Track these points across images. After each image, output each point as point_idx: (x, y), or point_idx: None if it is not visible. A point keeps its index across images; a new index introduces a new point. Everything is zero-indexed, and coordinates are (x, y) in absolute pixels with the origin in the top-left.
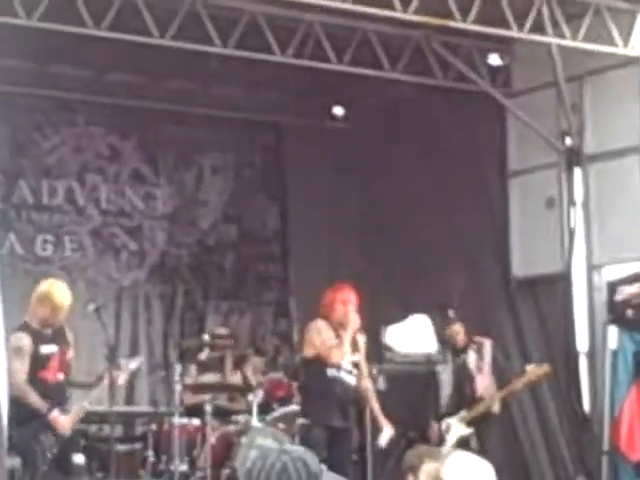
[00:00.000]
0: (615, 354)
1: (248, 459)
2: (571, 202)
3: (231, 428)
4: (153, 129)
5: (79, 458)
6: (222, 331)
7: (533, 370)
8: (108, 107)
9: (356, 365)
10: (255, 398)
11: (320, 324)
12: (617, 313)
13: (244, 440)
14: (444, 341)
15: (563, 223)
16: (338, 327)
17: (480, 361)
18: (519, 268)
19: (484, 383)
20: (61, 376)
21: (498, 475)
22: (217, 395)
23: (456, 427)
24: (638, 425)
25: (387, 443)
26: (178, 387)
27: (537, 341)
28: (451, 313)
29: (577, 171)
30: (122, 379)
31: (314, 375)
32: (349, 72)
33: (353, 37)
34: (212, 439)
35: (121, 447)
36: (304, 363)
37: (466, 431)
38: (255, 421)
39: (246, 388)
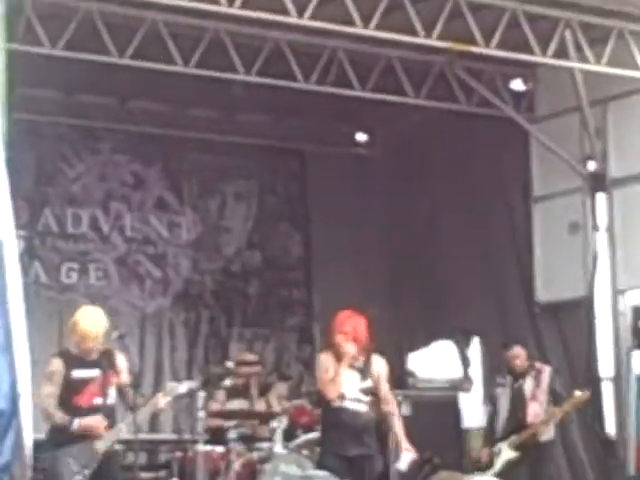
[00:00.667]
0: None
1: None
2: (595, 227)
3: (255, 455)
4: (177, 157)
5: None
6: (249, 357)
7: (576, 396)
8: (132, 135)
9: (368, 391)
10: (279, 425)
11: (321, 358)
12: None
13: (268, 467)
14: (504, 365)
15: (587, 248)
16: (339, 358)
17: (536, 388)
18: (543, 293)
19: (535, 410)
20: (98, 400)
21: None
22: (241, 422)
23: (505, 451)
24: None
25: (408, 467)
26: (202, 414)
27: (561, 366)
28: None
29: (601, 196)
30: (165, 402)
31: (323, 407)
32: (372, 98)
33: (376, 63)
34: (236, 466)
35: (145, 475)
36: (318, 395)
37: (512, 454)
38: (279, 448)
39: (270, 415)
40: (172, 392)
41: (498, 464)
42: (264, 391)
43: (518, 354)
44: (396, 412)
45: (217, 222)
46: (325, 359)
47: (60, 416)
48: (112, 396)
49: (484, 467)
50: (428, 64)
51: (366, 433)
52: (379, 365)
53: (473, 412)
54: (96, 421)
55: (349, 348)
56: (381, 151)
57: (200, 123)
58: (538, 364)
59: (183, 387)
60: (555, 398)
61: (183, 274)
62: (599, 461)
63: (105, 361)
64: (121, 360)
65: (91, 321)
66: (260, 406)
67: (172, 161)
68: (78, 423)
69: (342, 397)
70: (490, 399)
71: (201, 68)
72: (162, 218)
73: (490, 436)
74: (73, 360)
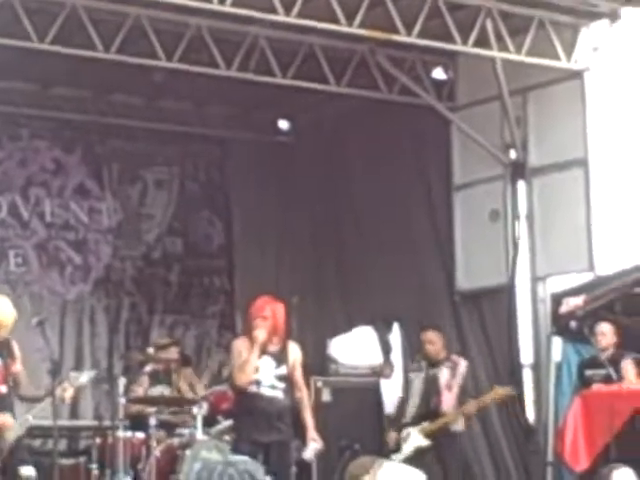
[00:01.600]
0: (559, 365)
1: (192, 471)
2: (515, 215)
3: (175, 441)
4: (98, 143)
5: (28, 470)
6: (165, 340)
7: (495, 391)
8: (53, 121)
9: (284, 378)
10: (199, 411)
11: (236, 343)
12: (561, 325)
13: (188, 453)
14: (410, 349)
15: (507, 236)
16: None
17: (452, 378)
18: (463, 281)
19: (450, 400)
20: (3, 389)
21: None
22: (162, 408)
23: (414, 437)
24: (582, 436)
25: (313, 457)
26: (122, 400)
27: (482, 353)
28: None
29: (521, 184)
30: (69, 393)
31: (237, 393)
32: (294, 86)
33: (298, 51)
34: (156, 452)
35: (65, 461)
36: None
37: (424, 442)
38: (200, 434)
39: (191, 401)
40: (75, 382)
41: (407, 449)
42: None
43: (431, 339)
44: (307, 400)
45: (138, 209)
46: (239, 344)
47: None
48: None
49: (391, 451)
50: (350, 52)
51: (281, 419)
52: (294, 352)
53: (394, 398)
54: (5, 420)
55: (259, 333)
56: (303, 139)
57: (121, 109)
58: (455, 356)
59: (84, 377)
60: (466, 392)
61: (104, 260)
62: (519, 447)
63: (4, 350)
64: (16, 349)
65: (6, 310)
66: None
67: (93, 147)
68: None
69: (257, 383)
70: (404, 383)
71: (122, 54)
72: (83, 204)
73: (398, 420)
74: None
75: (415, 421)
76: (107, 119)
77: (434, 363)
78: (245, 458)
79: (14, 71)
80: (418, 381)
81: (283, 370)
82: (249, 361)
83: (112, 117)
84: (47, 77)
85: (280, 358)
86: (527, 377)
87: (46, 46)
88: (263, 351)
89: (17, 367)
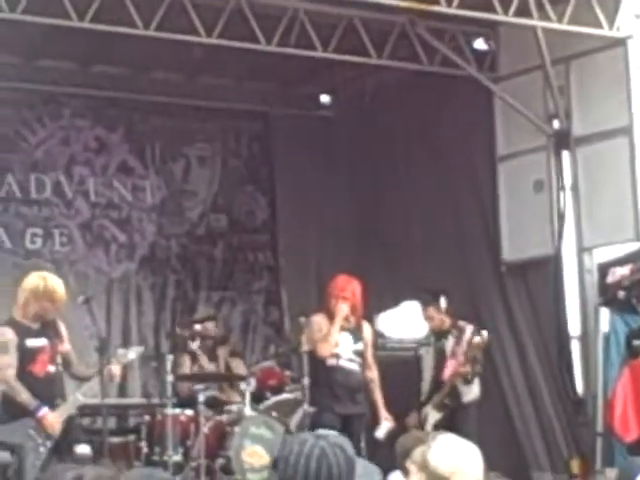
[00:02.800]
0: (607, 336)
1: (283, 445)
2: (560, 185)
3: (224, 418)
4: (139, 121)
5: (83, 448)
6: (200, 315)
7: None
8: (94, 99)
9: (360, 354)
10: (248, 387)
11: (313, 318)
12: (608, 295)
13: (237, 429)
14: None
15: (552, 206)
16: (332, 320)
17: (456, 346)
18: (509, 252)
19: (453, 367)
20: (52, 369)
21: (493, 458)
22: (210, 385)
23: (431, 414)
24: (631, 406)
25: (385, 435)
26: (170, 378)
27: (529, 325)
28: (443, 300)
29: (565, 154)
30: (118, 370)
31: (316, 366)
32: (335, 59)
33: (338, 24)
34: (205, 429)
35: (114, 439)
36: (308, 356)
37: (437, 416)
38: (248, 410)
39: (239, 377)
40: (123, 358)
41: (428, 429)
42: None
43: (428, 315)
44: (377, 380)
45: (181, 186)
46: (318, 320)
47: (27, 397)
48: (59, 364)
49: None
50: (390, 24)
51: (359, 392)
52: (368, 331)
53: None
54: (56, 422)
55: (343, 308)
56: (344, 112)
57: (162, 87)
58: (461, 323)
59: (132, 353)
60: (474, 357)
61: (148, 238)
62: (568, 419)
63: (50, 330)
64: (63, 328)
65: (62, 288)
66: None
67: (135, 125)
68: (43, 416)
69: (337, 356)
70: (414, 360)
71: (162, 31)
72: (126, 182)
73: (417, 399)
74: (22, 329)
75: (428, 397)
76: (148, 96)
77: (440, 334)
78: (333, 432)
79: (54, 50)
80: (428, 356)
81: (360, 346)
82: (331, 333)
83: (153, 94)
84: (87, 55)
85: (357, 335)
86: (575, 348)
87: (86, 24)
88: (342, 327)
89: (66, 346)
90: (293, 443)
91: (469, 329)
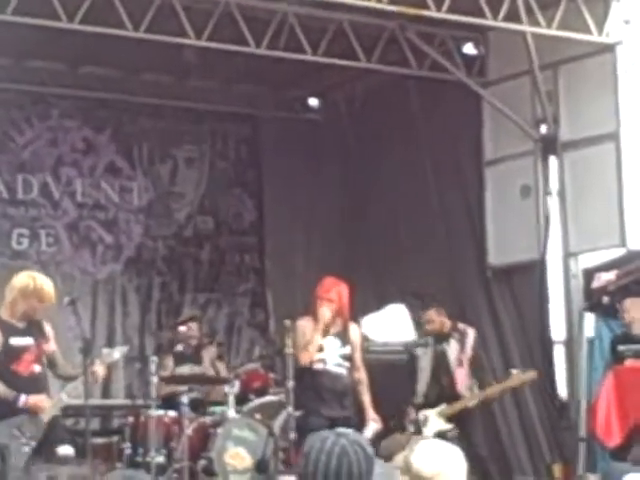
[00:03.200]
0: (592, 341)
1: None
2: (546, 190)
3: (207, 419)
4: (127, 122)
5: (66, 449)
6: (183, 316)
7: (517, 376)
8: (82, 100)
9: (347, 357)
10: (231, 389)
11: (299, 323)
12: (593, 300)
13: (220, 431)
14: (422, 327)
15: (539, 211)
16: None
17: (461, 352)
18: (495, 256)
19: (463, 378)
20: (37, 368)
21: (476, 462)
22: (193, 386)
23: (434, 421)
24: (614, 411)
25: (373, 436)
26: (154, 379)
27: (514, 329)
28: (427, 300)
29: (553, 159)
30: (101, 370)
31: (302, 370)
32: (324, 63)
33: (328, 28)
34: (189, 431)
35: (98, 440)
36: (293, 359)
37: (446, 427)
38: (231, 412)
39: (222, 379)
40: (108, 358)
41: (428, 433)
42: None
43: (429, 319)
44: (366, 381)
45: (169, 187)
46: (303, 325)
47: (4, 390)
48: (44, 364)
49: (412, 433)
50: (380, 28)
51: (346, 396)
52: (355, 333)
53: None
54: (42, 400)
55: (324, 313)
56: (333, 116)
57: (151, 88)
58: (462, 325)
59: (116, 353)
60: (476, 366)
61: (135, 240)
62: (551, 424)
63: (36, 329)
64: (49, 329)
65: (52, 287)
66: (209, 371)
67: (123, 126)
68: (25, 401)
69: (323, 361)
70: (409, 359)
71: (151, 33)
72: (113, 183)
73: (411, 399)
74: (7, 327)
75: (431, 402)
76: (137, 98)
77: (441, 337)
78: (351, 430)
79: (43, 51)
80: (426, 358)
81: (347, 350)
82: (312, 341)
83: (142, 96)
84: (76, 56)
85: (344, 338)
86: (559, 353)
87: (75, 25)
88: (327, 331)
89: (51, 346)
90: (314, 440)
91: (471, 332)
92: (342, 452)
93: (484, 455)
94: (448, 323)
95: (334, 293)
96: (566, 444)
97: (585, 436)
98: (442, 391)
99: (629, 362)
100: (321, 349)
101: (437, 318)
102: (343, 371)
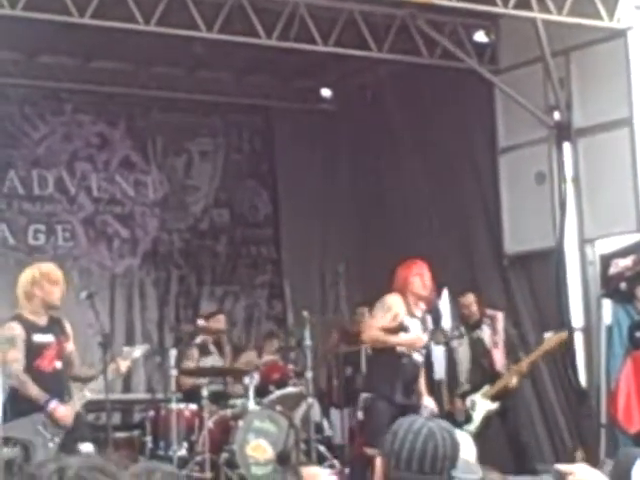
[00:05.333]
0: (610, 328)
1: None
2: (561, 177)
3: (228, 412)
4: (141, 116)
5: (87, 447)
6: (211, 309)
7: (550, 339)
8: (95, 95)
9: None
10: (251, 381)
11: (392, 299)
12: (611, 286)
13: (241, 423)
14: (457, 315)
15: (554, 198)
16: (415, 301)
17: (494, 335)
18: (511, 244)
19: (501, 358)
20: (59, 364)
21: (496, 449)
22: (214, 379)
23: (481, 403)
24: (635, 397)
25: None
26: (174, 373)
27: (531, 317)
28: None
29: (566, 145)
30: (125, 367)
31: (382, 351)
32: (336, 53)
33: (338, 18)
34: (209, 423)
35: (119, 434)
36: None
37: (492, 406)
38: (252, 404)
39: (242, 372)
40: (129, 356)
41: (478, 417)
42: (236, 354)
43: (470, 302)
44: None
45: (183, 181)
46: (395, 300)
47: (37, 392)
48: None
49: (462, 423)
50: (390, 17)
51: (416, 384)
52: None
53: (443, 364)
54: (67, 416)
55: (421, 289)
56: (346, 106)
57: (163, 81)
58: (490, 311)
59: (138, 351)
60: (510, 343)
61: (151, 233)
62: (571, 410)
63: (56, 327)
64: (69, 328)
65: (57, 271)
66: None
67: (136, 120)
68: (54, 408)
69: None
70: (447, 352)
71: (162, 26)
72: (128, 178)
73: (454, 389)
74: (29, 324)
75: (474, 387)
76: (149, 92)
77: (473, 325)
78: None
79: (55, 46)
80: (464, 347)
81: (426, 336)
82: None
83: (154, 89)
84: (88, 51)
85: (425, 323)
86: (578, 340)
87: (86, 20)
88: (412, 313)
89: (70, 346)
90: (403, 420)
91: (500, 316)
92: (429, 434)
93: (525, 441)
94: (476, 310)
95: (427, 274)
96: (587, 431)
97: (606, 422)
98: (484, 373)
99: None
100: (406, 330)
101: (475, 303)
102: (421, 358)
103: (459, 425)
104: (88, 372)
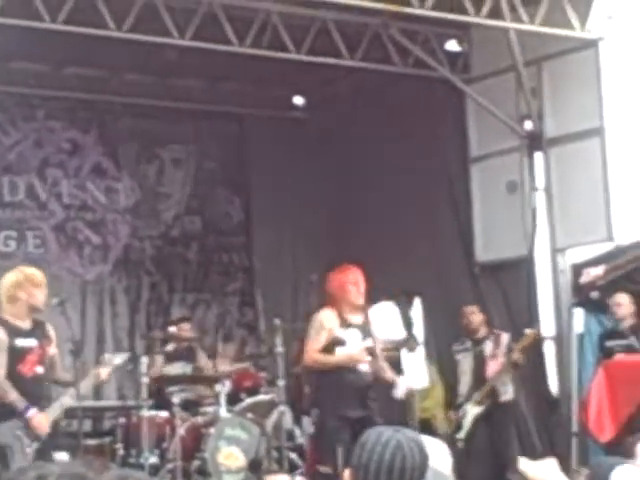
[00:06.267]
0: (581, 336)
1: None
2: (533, 186)
3: (199, 419)
4: (113, 122)
5: (61, 456)
6: (175, 317)
7: (529, 334)
8: (67, 101)
9: (370, 351)
10: (223, 389)
11: (325, 314)
12: (582, 295)
13: (213, 431)
14: (463, 329)
15: (525, 207)
16: (351, 310)
17: (495, 349)
18: (483, 253)
19: (494, 367)
20: (40, 370)
21: (467, 457)
22: (185, 386)
23: (470, 409)
24: (606, 406)
25: (405, 394)
26: (145, 380)
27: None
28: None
29: (538, 155)
30: (106, 374)
31: (329, 371)
32: (308, 61)
33: (311, 26)
34: (181, 431)
35: (90, 442)
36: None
37: (479, 409)
38: (224, 412)
39: (213, 378)
40: (110, 363)
41: (467, 423)
42: (212, 355)
43: (473, 310)
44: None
45: (155, 188)
46: (328, 316)
47: (17, 397)
48: (47, 366)
49: (453, 432)
50: (363, 26)
51: (368, 394)
52: (374, 325)
53: (416, 372)
54: (44, 425)
55: (358, 298)
56: (318, 114)
57: (135, 88)
58: (497, 331)
59: (119, 358)
60: (508, 363)
61: (123, 240)
62: (542, 419)
63: (39, 331)
64: (52, 332)
65: (39, 272)
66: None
67: (108, 127)
68: (32, 416)
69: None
70: (452, 365)
71: (135, 33)
72: (99, 184)
73: (453, 401)
74: (12, 329)
75: (468, 397)
76: (121, 98)
77: (478, 340)
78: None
79: (27, 52)
80: (467, 360)
81: (369, 342)
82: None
83: (126, 96)
84: (60, 57)
85: (365, 330)
86: (550, 349)
87: (58, 26)
88: (348, 323)
89: (52, 350)
90: (371, 433)
91: (505, 336)
92: (397, 446)
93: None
94: (485, 329)
95: (362, 282)
96: (558, 439)
97: (577, 431)
98: (479, 384)
99: (618, 357)
100: (342, 343)
101: (478, 316)
102: (366, 367)
103: (451, 436)
104: (68, 376)
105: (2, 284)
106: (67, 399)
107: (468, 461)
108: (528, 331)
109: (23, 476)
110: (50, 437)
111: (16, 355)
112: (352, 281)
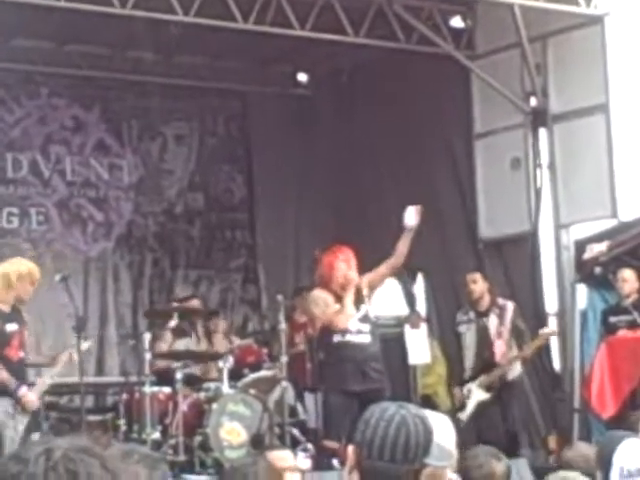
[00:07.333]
0: (584, 312)
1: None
2: (537, 162)
3: (202, 395)
4: (116, 100)
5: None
6: (185, 293)
7: (544, 333)
8: (71, 78)
9: (366, 318)
10: (225, 364)
11: (316, 293)
12: (585, 271)
13: (215, 407)
14: (465, 298)
15: (529, 183)
16: (339, 289)
17: (500, 325)
18: (486, 229)
19: (502, 349)
20: (22, 353)
21: (469, 433)
22: (187, 362)
23: (475, 392)
24: (608, 382)
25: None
26: (148, 356)
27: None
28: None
29: (543, 131)
30: (75, 357)
31: (322, 345)
32: (312, 38)
33: (315, 2)
34: (183, 406)
35: (93, 417)
36: (313, 339)
37: (485, 396)
38: (226, 387)
39: (216, 355)
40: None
41: (470, 405)
42: (209, 333)
43: (475, 278)
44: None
45: (158, 164)
46: (321, 294)
47: (7, 376)
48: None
49: (457, 410)
50: (367, 2)
51: (371, 366)
52: (360, 284)
53: (419, 348)
54: (34, 402)
55: (353, 275)
56: (321, 91)
57: (139, 65)
58: (501, 300)
59: (85, 345)
60: (517, 334)
61: (126, 217)
62: (545, 395)
63: (19, 315)
64: (25, 315)
65: (37, 270)
66: (205, 346)
67: (111, 104)
68: (23, 394)
69: (345, 331)
70: (455, 337)
71: (138, 9)
72: (103, 161)
73: (459, 375)
74: (2, 314)
75: (473, 375)
76: (124, 75)
77: (482, 312)
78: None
79: (30, 29)
80: (470, 333)
81: (363, 311)
82: (346, 304)
83: (129, 73)
84: (63, 34)
85: (356, 301)
86: (552, 325)
87: (62, 3)
88: (341, 300)
89: (27, 334)
90: (375, 408)
91: (510, 306)
92: (401, 421)
93: (516, 430)
94: (488, 298)
95: (353, 260)
96: (560, 416)
97: (579, 407)
98: (484, 364)
99: (621, 333)
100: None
101: (481, 281)
102: (366, 338)
103: (453, 414)
104: (40, 359)
105: (3, 269)
106: (47, 380)
107: (472, 437)
108: (542, 331)
109: (30, 451)
110: (31, 420)
111: (4, 339)
112: (341, 259)
